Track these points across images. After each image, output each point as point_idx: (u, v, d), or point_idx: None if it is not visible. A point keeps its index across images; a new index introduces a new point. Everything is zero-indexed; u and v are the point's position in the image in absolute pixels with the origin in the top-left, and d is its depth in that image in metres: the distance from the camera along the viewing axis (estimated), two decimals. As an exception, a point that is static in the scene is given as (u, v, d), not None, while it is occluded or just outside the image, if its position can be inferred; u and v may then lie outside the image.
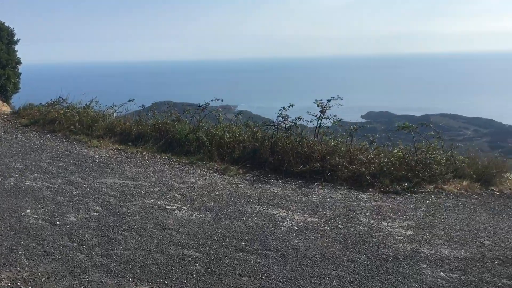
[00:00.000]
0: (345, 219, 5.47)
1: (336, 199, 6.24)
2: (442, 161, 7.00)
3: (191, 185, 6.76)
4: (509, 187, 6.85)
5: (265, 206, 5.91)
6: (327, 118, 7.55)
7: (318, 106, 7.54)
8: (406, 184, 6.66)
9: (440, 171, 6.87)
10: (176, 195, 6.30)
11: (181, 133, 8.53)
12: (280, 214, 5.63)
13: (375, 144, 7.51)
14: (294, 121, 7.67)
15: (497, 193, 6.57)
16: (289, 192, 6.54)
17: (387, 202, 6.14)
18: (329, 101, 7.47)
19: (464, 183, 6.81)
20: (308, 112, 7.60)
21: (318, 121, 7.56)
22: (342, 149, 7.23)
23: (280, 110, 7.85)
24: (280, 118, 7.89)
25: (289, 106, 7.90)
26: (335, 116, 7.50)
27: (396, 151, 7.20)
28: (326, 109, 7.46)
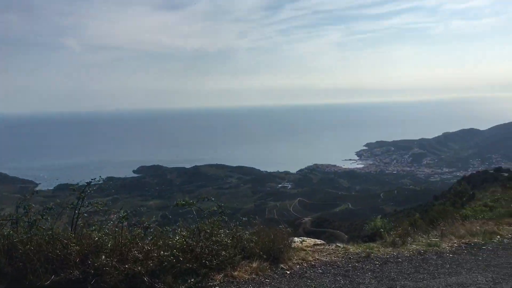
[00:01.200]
0: None
1: (105, 322, 4.57)
2: (229, 242, 6.14)
3: None
4: (297, 261, 6.46)
5: None
6: (87, 206, 5.77)
7: (74, 191, 5.73)
8: (193, 279, 5.47)
9: (229, 255, 5.97)
10: None
11: None
12: None
13: (151, 230, 6.14)
14: (41, 213, 5.62)
15: (288, 272, 6.03)
16: (33, 323, 4.52)
17: (172, 313, 4.80)
18: (89, 183, 5.77)
19: (254, 264, 6.07)
20: (58, 200, 5.73)
21: (75, 210, 5.71)
22: (109, 244, 5.58)
23: (20, 200, 5.68)
24: (21, 209, 5.72)
25: (33, 193, 5.85)
26: (97, 202, 5.80)
27: (177, 238, 5.98)
28: (86, 195, 5.71)
